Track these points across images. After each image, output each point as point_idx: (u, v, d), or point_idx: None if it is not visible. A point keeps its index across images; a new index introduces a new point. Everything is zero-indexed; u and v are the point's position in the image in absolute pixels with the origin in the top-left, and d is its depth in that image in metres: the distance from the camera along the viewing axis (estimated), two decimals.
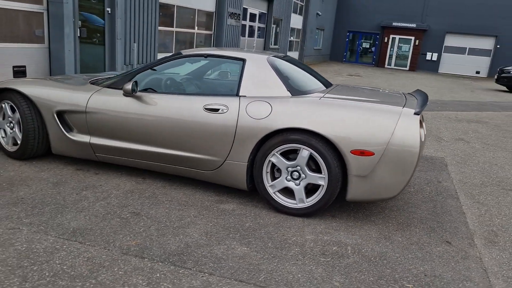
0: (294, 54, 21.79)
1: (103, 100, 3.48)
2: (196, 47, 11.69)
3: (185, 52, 3.58)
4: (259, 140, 3.06)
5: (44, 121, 3.66)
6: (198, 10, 11.40)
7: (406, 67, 28.71)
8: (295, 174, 3.07)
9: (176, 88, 3.58)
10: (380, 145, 2.84)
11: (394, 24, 28.20)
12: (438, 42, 28.20)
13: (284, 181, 3.11)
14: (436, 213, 3.43)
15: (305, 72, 3.74)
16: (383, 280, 2.39)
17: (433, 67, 28.49)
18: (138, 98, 3.40)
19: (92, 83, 3.82)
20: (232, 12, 12.82)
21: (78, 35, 7.10)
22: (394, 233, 3.00)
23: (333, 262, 2.54)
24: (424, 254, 2.73)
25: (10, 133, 3.82)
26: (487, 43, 27.56)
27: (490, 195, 4.01)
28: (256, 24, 15.68)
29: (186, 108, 3.25)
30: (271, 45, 17.15)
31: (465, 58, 28.19)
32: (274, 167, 3.17)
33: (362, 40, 30.17)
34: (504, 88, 17.79)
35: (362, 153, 2.86)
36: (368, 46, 30.18)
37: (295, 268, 2.43)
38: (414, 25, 27.89)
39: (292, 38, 20.55)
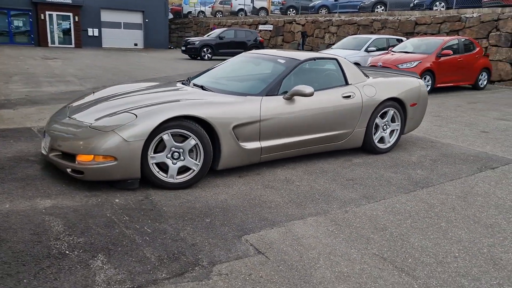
0: None
1: (271, 106, 4.02)
2: None
3: (302, 58, 4.49)
4: (373, 110, 4.74)
5: (219, 140, 3.73)
6: None
7: (71, 44, 28.44)
8: (385, 127, 4.98)
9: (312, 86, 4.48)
10: (418, 98, 5.20)
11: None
12: (96, 18, 29.36)
13: (382, 133, 4.96)
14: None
15: None
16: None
17: (97, 43, 29.61)
18: (292, 100, 4.19)
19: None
20: None
21: None
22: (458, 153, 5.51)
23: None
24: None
25: (174, 163, 3.57)
26: (137, 18, 31.11)
27: None
28: None
29: (332, 99, 4.42)
30: None
31: (122, 32, 30.82)
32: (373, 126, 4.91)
33: (13, 18, 27.14)
34: (187, 57, 21.78)
35: (413, 104, 5.14)
36: (22, 25, 27.52)
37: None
38: (69, 1, 27.66)
39: None
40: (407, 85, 5.11)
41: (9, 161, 3.97)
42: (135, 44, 31.25)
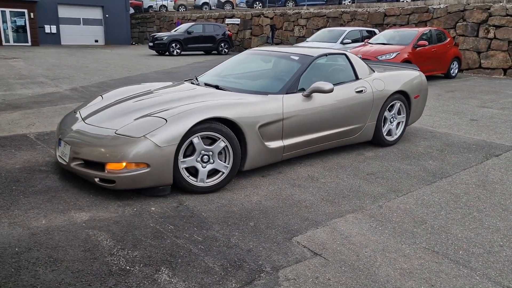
0: None
1: (292, 104, 3.98)
2: None
3: (315, 54, 4.46)
4: (383, 103, 4.81)
5: (246, 140, 3.66)
6: None
7: (27, 42, 27.07)
8: (392, 120, 5.08)
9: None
10: (420, 90, 5.32)
11: None
12: (53, 14, 28.08)
13: (390, 126, 5.05)
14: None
15: None
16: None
17: (55, 40, 28.37)
18: (310, 97, 4.18)
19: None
20: None
21: None
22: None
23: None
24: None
25: (204, 167, 3.48)
26: (97, 13, 30.00)
27: None
28: None
29: (346, 95, 4.44)
30: None
31: (82, 28, 29.66)
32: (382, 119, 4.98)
33: None
34: (154, 53, 21.26)
35: (417, 96, 5.26)
36: None
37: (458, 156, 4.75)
38: None
39: None
40: (410, 77, 5.22)
41: (22, 173, 3.72)
42: (96, 41, 30.18)
